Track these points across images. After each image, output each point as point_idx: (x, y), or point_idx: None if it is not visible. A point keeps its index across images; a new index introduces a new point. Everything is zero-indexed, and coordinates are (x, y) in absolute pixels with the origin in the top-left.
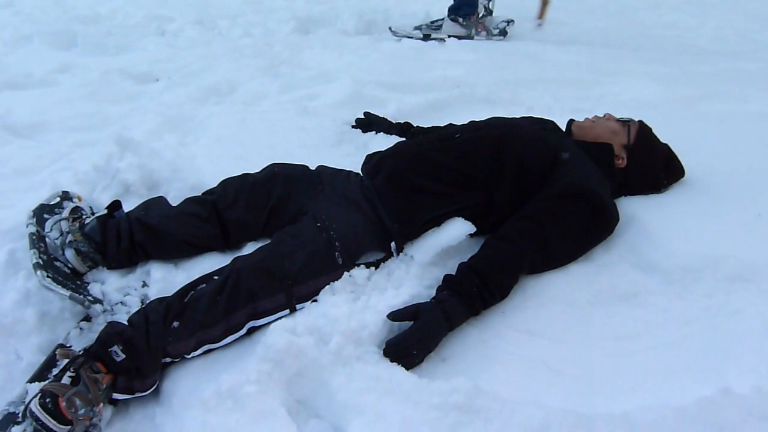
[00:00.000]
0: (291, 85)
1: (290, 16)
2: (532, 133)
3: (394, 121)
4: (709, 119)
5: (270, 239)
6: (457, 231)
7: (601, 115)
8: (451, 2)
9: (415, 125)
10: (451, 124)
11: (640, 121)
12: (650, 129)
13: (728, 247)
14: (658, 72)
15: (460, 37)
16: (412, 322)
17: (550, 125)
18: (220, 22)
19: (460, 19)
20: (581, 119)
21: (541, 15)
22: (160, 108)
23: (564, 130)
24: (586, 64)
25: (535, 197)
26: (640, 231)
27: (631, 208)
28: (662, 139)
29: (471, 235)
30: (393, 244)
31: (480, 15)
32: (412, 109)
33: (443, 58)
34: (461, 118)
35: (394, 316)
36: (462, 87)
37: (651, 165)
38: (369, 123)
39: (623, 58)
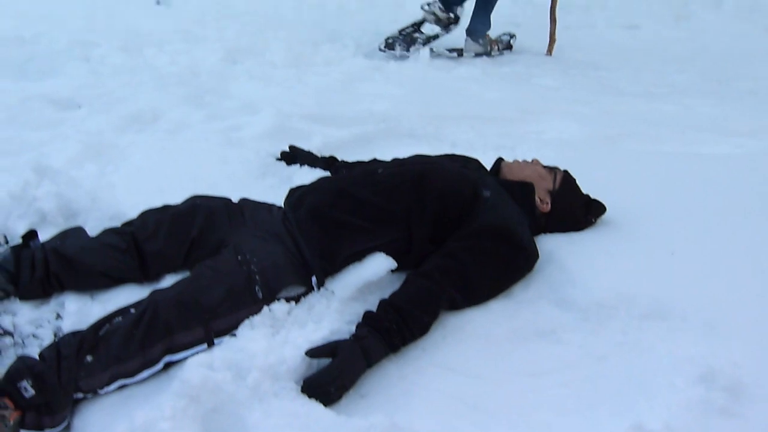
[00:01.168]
0: (216, 115)
1: (218, 46)
2: (454, 170)
3: (318, 155)
4: (627, 159)
5: (190, 272)
6: (378, 267)
7: (530, 161)
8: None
9: (339, 159)
10: (375, 159)
11: (565, 171)
12: (574, 179)
13: (642, 284)
14: (580, 111)
15: (479, 55)
16: (330, 359)
17: (473, 164)
18: (146, 49)
19: (480, 40)
20: (510, 159)
21: (550, 51)
22: (81, 135)
23: (488, 168)
24: (510, 102)
25: (456, 234)
26: (559, 268)
27: (550, 245)
28: (583, 178)
29: (393, 270)
30: (314, 278)
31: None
32: (337, 143)
33: (369, 91)
34: (386, 152)
35: (313, 353)
36: (387, 121)
37: (573, 211)
38: (293, 156)
39: (546, 97)
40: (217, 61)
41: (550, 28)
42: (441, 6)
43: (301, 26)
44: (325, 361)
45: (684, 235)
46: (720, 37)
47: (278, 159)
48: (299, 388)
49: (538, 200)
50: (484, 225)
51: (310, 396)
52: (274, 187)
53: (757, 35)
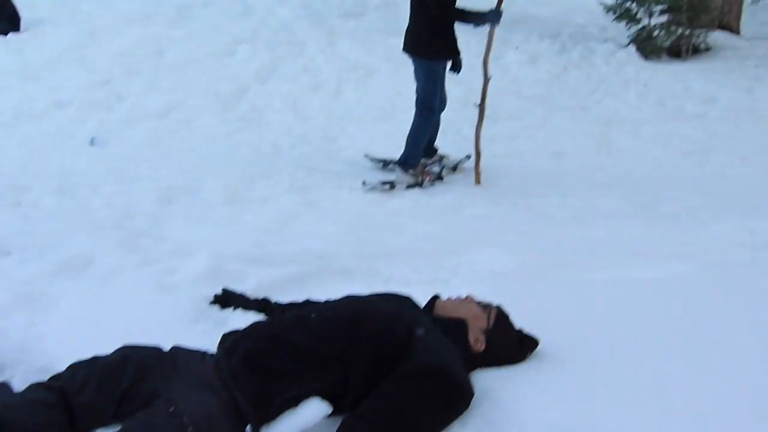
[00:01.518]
0: (150, 259)
1: (153, 186)
2: (386, 310)
3: (252, 298)
4: (558, 288)
5: (121, 425)
6: (313, 412)
7: (464, 297)
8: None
9: (273, 302)
10: (308, 301)
11: (498, 307)
12: (507, 315)
13: (578, 416)
14: (511, 241)
15: (411, 186)
16: None
17: (406, 302)
18: (80, 191)
19: (411, 171)
20: (445, 295)
21: (477, 180)
22: (9, 284)
23: (422, 305)
24: (442, 234)
25: (391, 375)
26: (494, 405)
27: (485, 381)
28: (515, 310)
29: (329, 415)
30: (248, 428)
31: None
32: (272, 284)
33: (304, 229)
34: (321, 291)
35: None
36: (322, 260)
37: (507, 348)
38: (226, 300)
39: (478, 227)
40: (152, 201)
41: (475, 159)
42: (402, 169)
43: (236, 163)
44: None
45: (616, 365)
46: (641, 163)
47: (211, 303)
48: None
49: (473, 339)
50: (419, 365)
51: None
52: (207, 332)
53: (675, 160)
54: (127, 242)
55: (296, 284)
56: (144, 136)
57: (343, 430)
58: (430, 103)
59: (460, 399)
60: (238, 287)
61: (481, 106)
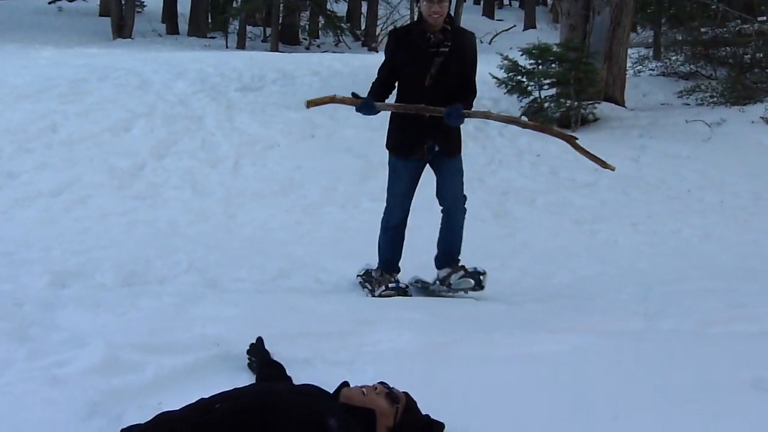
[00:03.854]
0: (40, 351)
1: (44, 269)
2: (295, 401)
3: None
4: (460, 367)
5: None
6: None
7: (375, 387)
8: None
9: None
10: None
11: (405, 398)
12: (415, 405)
13: None
14: (412, 318)
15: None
16: None
17: (312, 389)
18: None
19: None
20: (352, 383)
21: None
22: None
23: (330, 391)
24: (345, 314)
25: None
26: None
27: None
28: (418, 391)
29: None
30: None
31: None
32: (170, 373)
33: (203, 314)
34: (222, 378)
35: None
36: (221, 345)
37: None
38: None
39: (378, 305)
40: (44, 286)
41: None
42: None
43: (132, 243)
44: None
45: None
46: (537, 233)
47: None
48: None
49: None
50: None
51: None
52: (102, 429)
53: (569, 229)
54: (15, 333)
55: (195, 372)
56: (36, 216)
57: None
58: (385, 215)
59: None
60: (136, 377)
61: None
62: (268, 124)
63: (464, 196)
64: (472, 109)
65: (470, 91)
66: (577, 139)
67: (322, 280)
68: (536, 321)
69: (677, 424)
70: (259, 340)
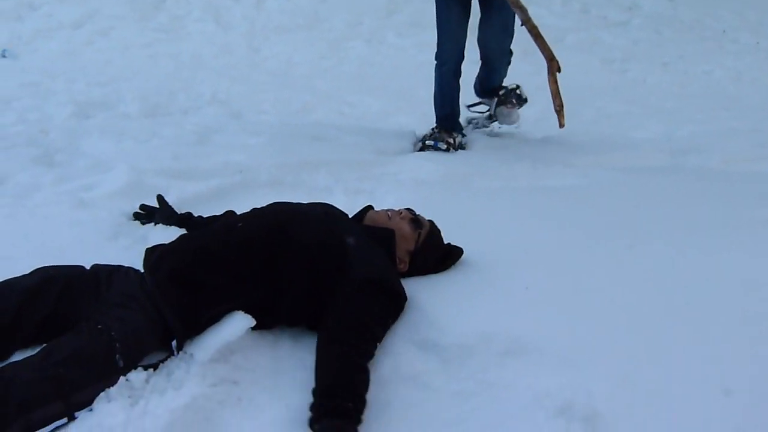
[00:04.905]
0: (67, 176)
1: (68, 100)
2: (315, 219)
3: (173, 212)
4: (481, 196)
5: (45, 344)
6: (236, 325)
7: (398, 210)
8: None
9: (196, 216)
10: (232, 212)
11: (431, 224)
12: (438, 232)
13: (500, 322)
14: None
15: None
16: None
17: (336, 210)
18: None
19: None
20: (377, 207)
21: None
22: None
23: (349, 213)
24: (366, 145)
25: (338, 291)
26: (418, 312)
27: (409, 289)
28: (439, 217)
29: (253, 328)
30: (174, 342)
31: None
32: (194, 198)
33: (226, 142)
34: (245, 203)
35: None
36: (245, 172)
37: (430, 263)
38: (147, 215)
39: (401, 137)
40: (68, 116)
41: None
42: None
43: (155, 75)
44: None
45: (537, 270)
46: (565, 70)
47: (133, 219)
48: None
49: (397, 259)
50: (362, 282)
51: None
52: (128, 248)
53: (598, 68)
54: (42, 158)
55: (219, 198)
56: (58, 48)
57: (325, 356)
58: (437, 52)
59: (400, 306)
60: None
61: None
62: None
63: (510, 50)
64: None
65: None
66: (559, 71)
67: (346, 113)
68: (558, 156)
69: (691, 254)
70: (160, 197)
